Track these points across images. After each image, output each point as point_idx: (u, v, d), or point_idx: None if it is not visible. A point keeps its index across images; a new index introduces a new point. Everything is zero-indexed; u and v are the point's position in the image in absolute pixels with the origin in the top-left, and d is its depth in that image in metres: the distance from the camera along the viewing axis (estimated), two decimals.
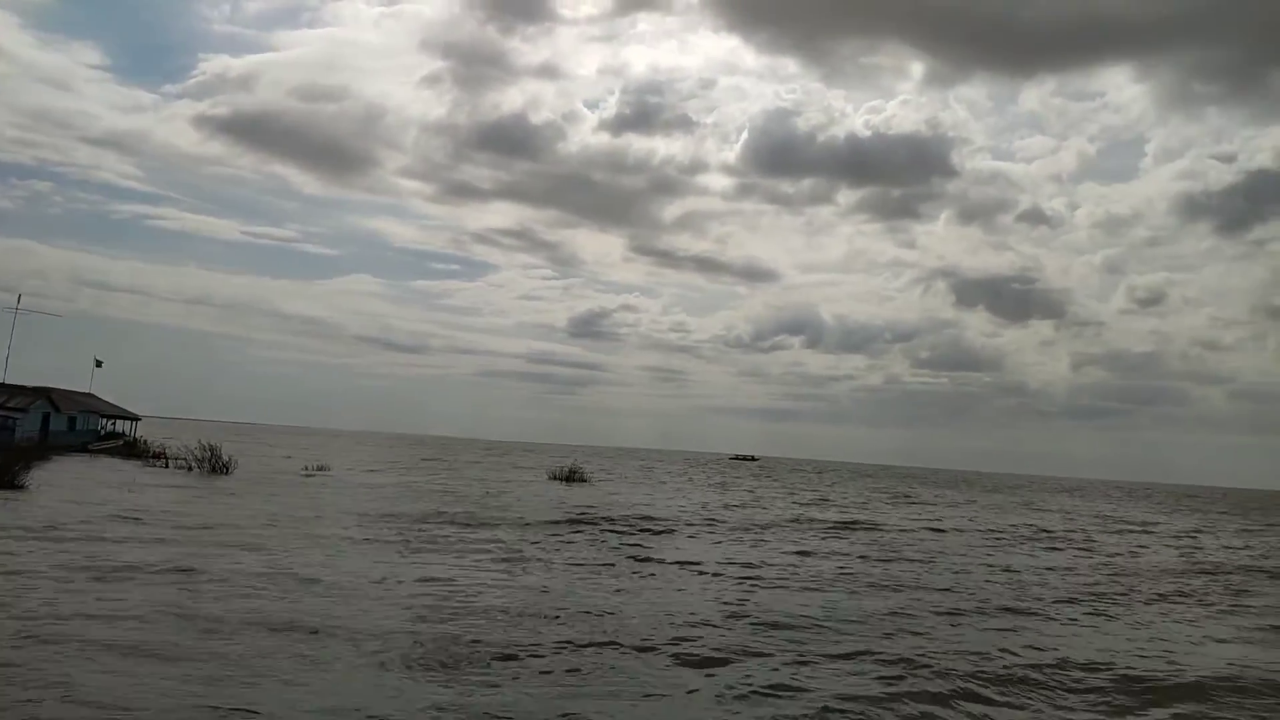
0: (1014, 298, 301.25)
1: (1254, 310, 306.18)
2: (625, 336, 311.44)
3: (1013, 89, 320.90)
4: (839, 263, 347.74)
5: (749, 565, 20.71)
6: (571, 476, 49.46)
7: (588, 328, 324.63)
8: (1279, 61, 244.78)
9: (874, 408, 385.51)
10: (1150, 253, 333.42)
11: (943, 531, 34.14)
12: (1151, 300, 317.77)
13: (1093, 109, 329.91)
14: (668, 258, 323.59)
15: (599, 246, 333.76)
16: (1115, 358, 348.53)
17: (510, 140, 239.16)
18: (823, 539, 28.39)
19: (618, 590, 16.37)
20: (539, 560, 19.57)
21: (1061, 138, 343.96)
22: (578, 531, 26.20)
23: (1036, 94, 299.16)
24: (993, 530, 36.46)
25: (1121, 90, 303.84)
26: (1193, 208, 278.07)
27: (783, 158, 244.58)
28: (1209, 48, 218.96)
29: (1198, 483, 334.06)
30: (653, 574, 18.68)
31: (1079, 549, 30.60)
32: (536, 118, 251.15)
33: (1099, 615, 16.92)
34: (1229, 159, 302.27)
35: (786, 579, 19.00)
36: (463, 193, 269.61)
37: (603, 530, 26.78)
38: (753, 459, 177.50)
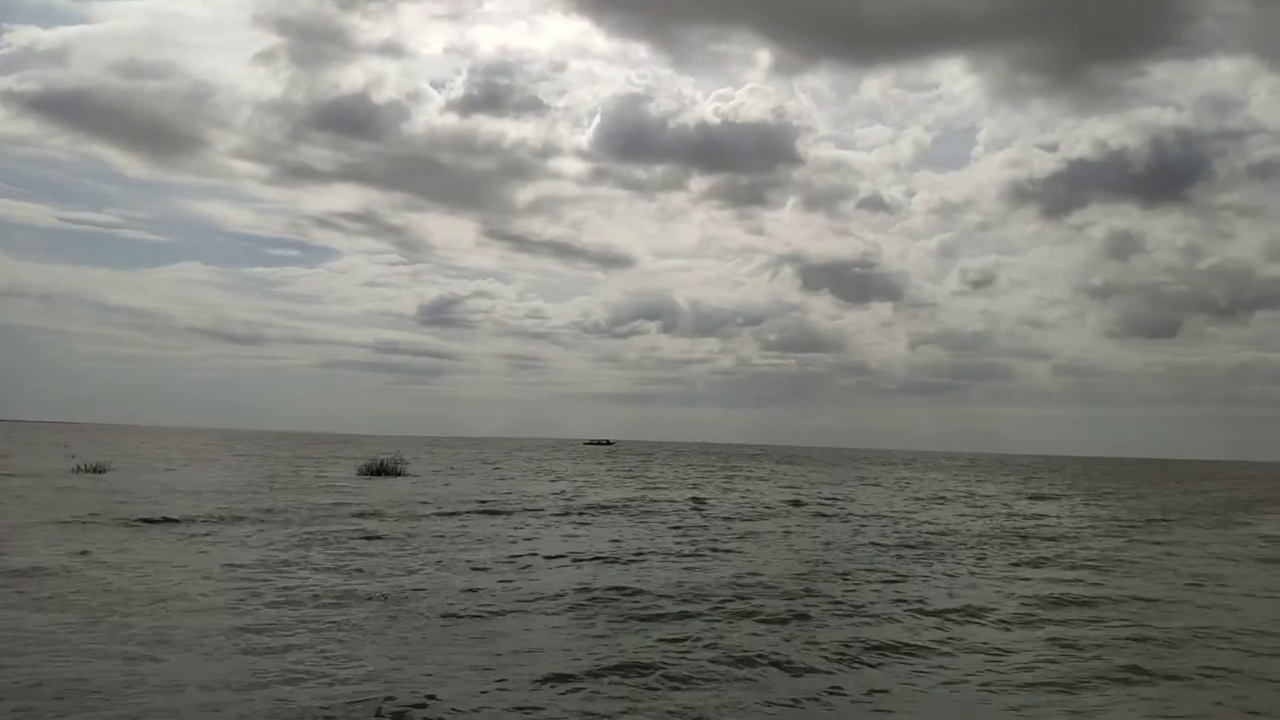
0: (856, 281, 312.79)
1: (1074, 290, 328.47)
2: (479, 324, 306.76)
3: (854, 79, 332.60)
4: (692, 249, 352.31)
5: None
6: (383, 470, 46.82)
7: (439, 315, 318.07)
8: (1098, 56, 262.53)
9: (727, 389, 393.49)
10: (981, 237, 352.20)
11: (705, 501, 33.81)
12: (982, 282, 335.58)
13: (928, 99, 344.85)
14: (522, 243, 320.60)
15: (449, 231, 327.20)
16: (949, 336, 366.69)
17: (351, 120, 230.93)
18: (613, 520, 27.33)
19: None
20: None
21: (900, 127, 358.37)
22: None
23: (877, 84, 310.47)
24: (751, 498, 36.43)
25: (955, 82, 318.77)
26: (1019, 194, 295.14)
27: (635, 143, 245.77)
28: (1034, 42, 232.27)
29: (1024, 452, 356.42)
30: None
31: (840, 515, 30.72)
32: (379, 97, 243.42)
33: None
34: (1052, 148, 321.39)
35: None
36: (301, 175, 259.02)
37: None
38: (608, 443, 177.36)
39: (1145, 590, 16.91)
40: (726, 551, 20.94)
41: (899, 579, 17.52)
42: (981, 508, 38.73)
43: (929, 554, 21.63)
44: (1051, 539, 26.12)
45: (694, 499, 37.13)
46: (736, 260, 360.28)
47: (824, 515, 31.90)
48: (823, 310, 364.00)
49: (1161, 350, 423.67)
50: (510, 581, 15.85)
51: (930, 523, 30.21)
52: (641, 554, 19.84)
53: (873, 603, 14.90)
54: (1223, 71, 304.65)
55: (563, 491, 39.58)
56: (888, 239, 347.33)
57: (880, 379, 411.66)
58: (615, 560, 18.77)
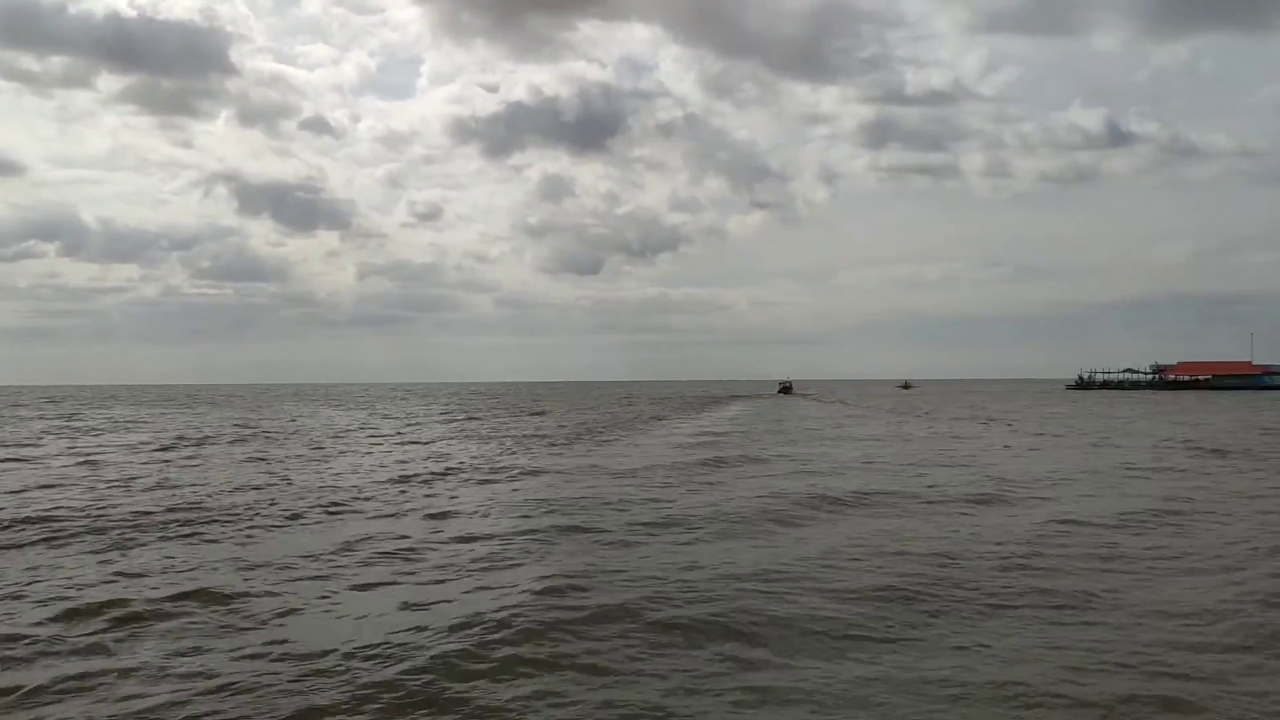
0: (300, 206, 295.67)
1: (514, 228, 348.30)
2: None
3: None
4: (103, 158, 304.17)
5: None
6: None
7: None
8: (536, 5, 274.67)
9: (152, 323, 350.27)
10: (427, 170, 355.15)
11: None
12: (429, 215, 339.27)
13: (373, 24, 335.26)
14: None
15: None
16: (398, 268, 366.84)
17: None
18: None
19: None
20: None
21: (344, 49, 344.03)
22: None
23: (319, 1, 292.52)
24: None
25: (401, 9, 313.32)
26: (464, 131, 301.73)
27: (21, 25, 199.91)
28: None
29: (473, 380, 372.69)
30: None
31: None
32: None
33: None
34: (493, 89, 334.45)
35: None
36: None
37: None
38: None
39: None
40: None
41: None
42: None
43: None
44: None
45: None
46: (160, 175, 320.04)
47: None
48: (263, 236, 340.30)
49: (588, 285, 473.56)
50: None
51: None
52: None
53: None
54: (638, 36, 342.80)
55: None
56: (333, 164, 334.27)
57: (328, 310, 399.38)
58: None
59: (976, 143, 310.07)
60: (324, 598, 9.63)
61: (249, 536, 13.37)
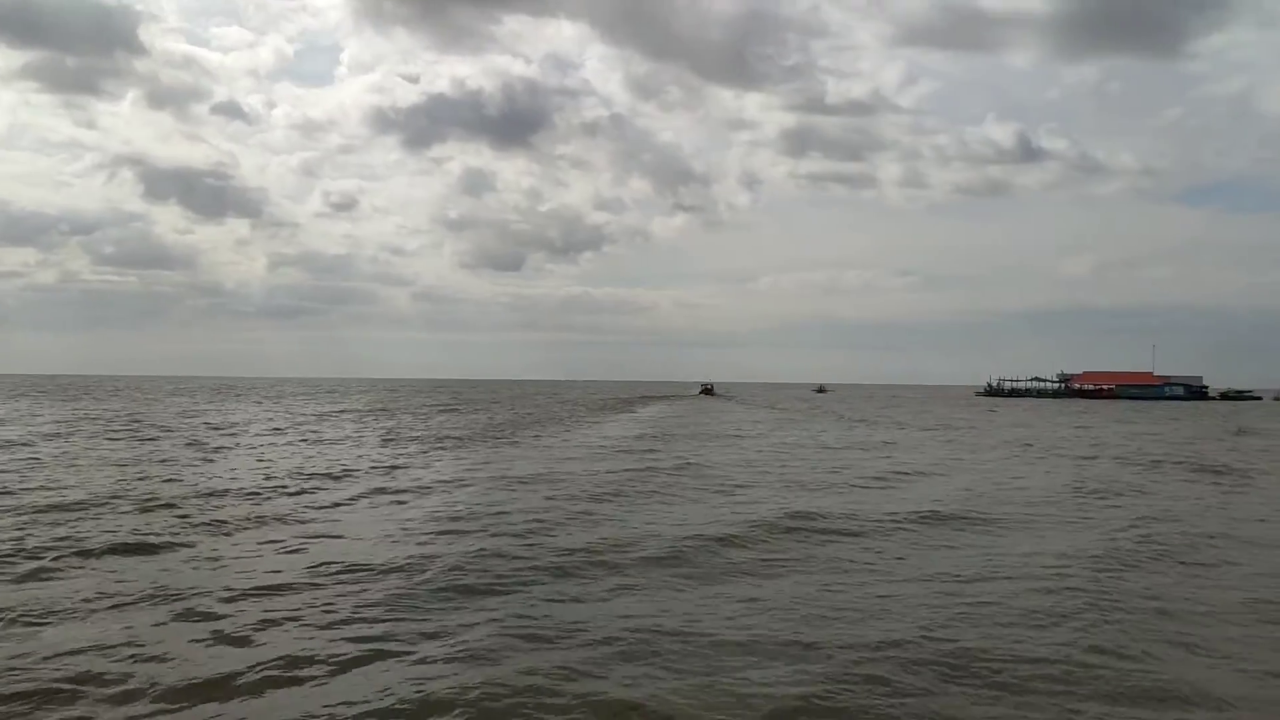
0: (209, 193, 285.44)
1: (433, 221, 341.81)
2: None
3: None
4: None
5: None
6: None
7: None
8: None
9: (49, 310, 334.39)
10: (344, 159, 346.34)
11: None
12: (345, 205, 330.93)
13: (291, 8, 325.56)
14: None
15: None
16: (311, 259, 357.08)
17: None
18: None
19: None
20: None
21: (261, 32, 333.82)
22: None
23: None
24: None
25: None
26: (383, 121, 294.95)
27: None
28: None
29: (387, 376, 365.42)
30: None
31: None
32: None
33: None
34: (414, 80, 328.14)
35: None
36: None
37: None
38: None
39: None
40: None
41: None
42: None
43: None
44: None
45: None
46: (62, 156, 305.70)
47: None
48: (170, 223, 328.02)
49: (509, 282, 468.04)
50: None
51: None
52: None
53: None
54: (565, 33, 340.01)
55: None
56: (246, 150, 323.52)
57: (237, 301, 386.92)
58: None
59: (894, 154, 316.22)
60: None
61: None
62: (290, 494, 17.83)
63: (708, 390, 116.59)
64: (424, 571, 10.75)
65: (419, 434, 37.02)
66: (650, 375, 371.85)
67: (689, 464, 24.92)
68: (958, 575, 11.08)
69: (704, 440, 35.96)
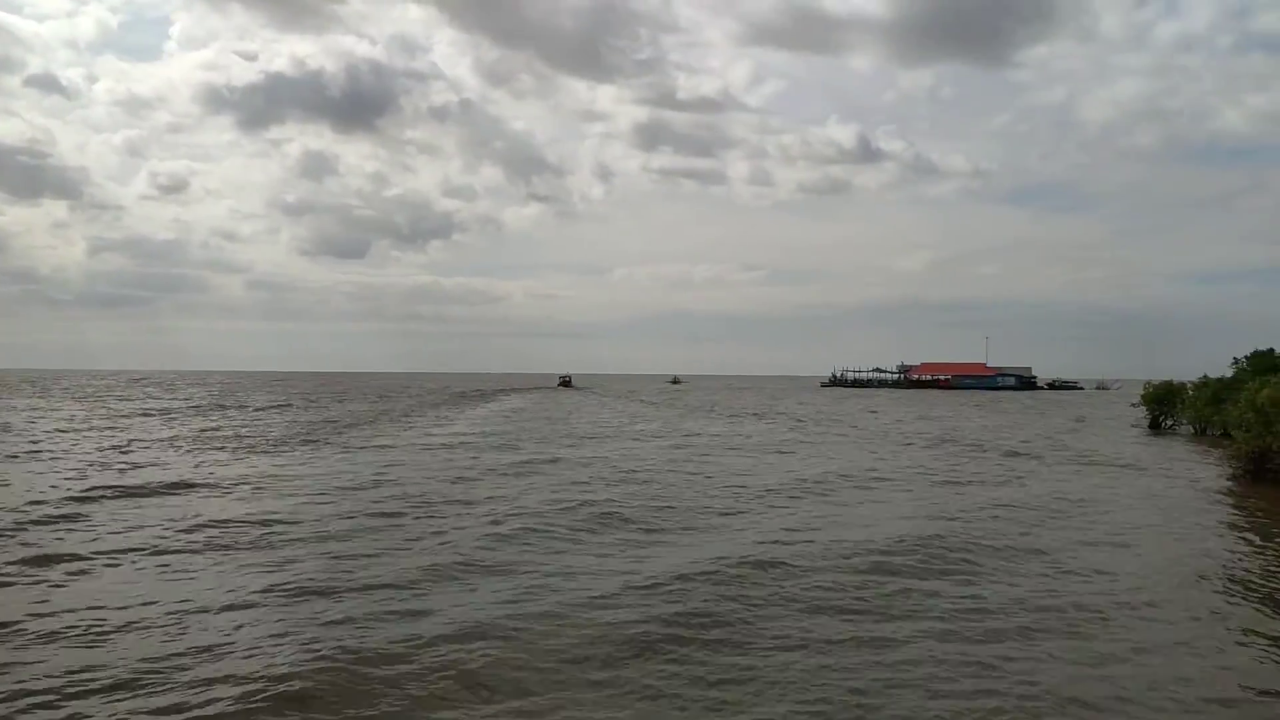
0: (22, 172, 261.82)
1: (269, 205, 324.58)
2: None
3: None
4: None
5: None
6: None
7: None
8: None
9: None
10: (173, 139, 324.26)
11: None
12: (174, 188, 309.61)
13: None
14: None
15: None
16: (136, 244, 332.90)
17: None
18: None
19: None
20: None
21: (81, 1, 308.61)
22: None
23: None
24: None
25: None
26: (216, 100, 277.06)
27: None
28: None
29: (218, 368, 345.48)
30: None
31: None
32: None
33: None
34: (252, 58, 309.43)
35: None
36: None
37: None
38: None
39: None
40: None
41: None
42: None
43: None
44: None
45: None
46: None
47: None
48: None
49: (351, 270, 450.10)
50: None
51: None
52: None
53: None
54: (411, 15, 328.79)
55: None
56: (64, 127, 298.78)
57: (52, 288, 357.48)
58: None
59: (742, 151, 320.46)
60: None
61: None
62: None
63: (566, 382, 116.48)
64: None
65: (239, 432, 33.32)
66: (505, 367, 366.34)
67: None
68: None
69: (567, 444, 33.89)
